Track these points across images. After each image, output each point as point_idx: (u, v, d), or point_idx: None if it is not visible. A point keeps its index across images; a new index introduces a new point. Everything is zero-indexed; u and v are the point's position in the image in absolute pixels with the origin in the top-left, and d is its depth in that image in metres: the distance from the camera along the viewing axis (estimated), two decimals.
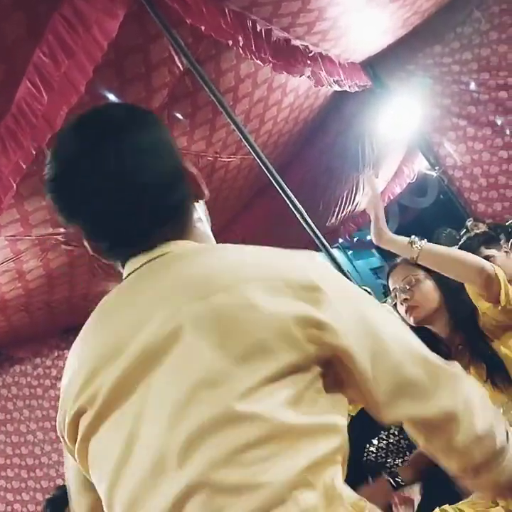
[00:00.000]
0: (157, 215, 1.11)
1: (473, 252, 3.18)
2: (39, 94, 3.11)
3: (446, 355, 2.32)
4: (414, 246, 2.13)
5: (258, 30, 4.07)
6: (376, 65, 6.66)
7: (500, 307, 2.12)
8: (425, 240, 2.17)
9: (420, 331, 2.36)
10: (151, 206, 1.09)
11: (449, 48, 7.30)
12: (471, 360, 2.23)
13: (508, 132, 7.45)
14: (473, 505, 1.93)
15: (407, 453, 2.63)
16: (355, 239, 12.15)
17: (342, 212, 8.51)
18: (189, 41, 3.56)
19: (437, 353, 2.31)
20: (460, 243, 3.59)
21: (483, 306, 2.19)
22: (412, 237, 2.17)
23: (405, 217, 11.43)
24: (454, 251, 2.17)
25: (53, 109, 3.23)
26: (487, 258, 3.10)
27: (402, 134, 7.56)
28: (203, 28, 3.49)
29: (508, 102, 7.30)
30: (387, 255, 12.21)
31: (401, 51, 6.74)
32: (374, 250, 13.78)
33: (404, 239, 2.19)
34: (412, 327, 2.35)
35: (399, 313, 2.42)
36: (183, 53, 3.36)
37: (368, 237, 11.79)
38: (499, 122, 7.43)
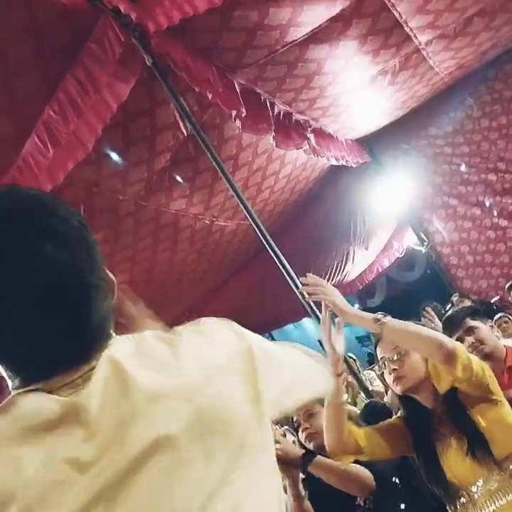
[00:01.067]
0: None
1: (458, 323, 3.20)
2: (45, 149, 3.13)
3: (429, 425, 2.29)
4: (377, 323, 2.14)
5: (262, 103, 4.15)
6: (372, 142, 6.80)
7: (465, 383, 2.13)
8: (389, 316, 2.18)
9: (405, 399, 2.35)
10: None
11: (443, 131, 7.48)
12: (452, 432, 2.20)
13: (495, 213, 7.56)
14: None
15: None
16: None
17: (331, 281, 8.51)
18: (195, 109, 3.63)
19: (420, 422, 2.31)
20: (447, 315, 3.59)
21: (443, 382, 2.19)
22: (376, 314, 2.18)
23: (393, 290, 11.47)
24: (416, 327, 2.18)
25: (58, 164, 3.26)
26: (471, 329, 3.12)
27: (394, 209, 7.65)
28: (210, 96, 3.56)
29: (497, 184, 7.43)
30: None
31: (397, 131, 6.89)
32: None
33: (369, 315, 2.19)
34: (398, 395, 2.35)
35: (385, 382, 2.44)
36: (188, 119, 3.42)
37: (355, 306, 11.76)
38: (488, 203, 7.54)
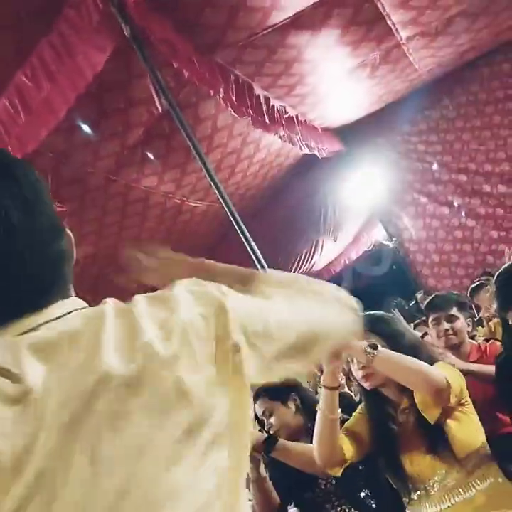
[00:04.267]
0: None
1: (444, 306, 3.19)
2: (16, 114, 3.03)
3: (392, 417, 2.27)
4: (368, 354, 2.10)
5: (240, 84, 4.09)
6: (347, 134, 6.76)
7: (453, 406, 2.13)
8: (379, 347, 2.13)
9: (371, 392, 2.32)
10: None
11: (417, 128, 7.48)
12: (415, 426, 2.18)
13: (463, 214, 7.61)
14: None
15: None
16: None
17: (299, 269, 8.50)
18: (171, 85, 3.53)
19: (384, 415, 2.28)
20: (436, 293, 3.61)
21: (433, 411, 2.16)
22: (368, 344, 2.13)
23: (359, 283, 11.49)
24: (408, 360, 2.12)
25: (29, 131, 3.16)
26: (452, 317, 3.10)
27: (365, 202, 7.65)
28: (186, 74, 3.49)
29: (467, 185, 7.47)
30: None
31: (372, 124, 6.87)
32: None
33: (360, 345, 2.15)
34: (363, 389, 2.34)
35: (354, 376, 2.41)
36: (164, 95, 3.33)
37: None
38: (456, 203, 7.59)
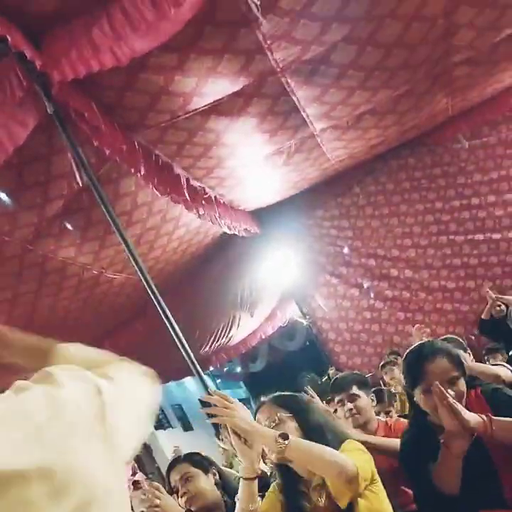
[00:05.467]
0: None
1: (344, 387, 3.24)
2: None
3: (305, 495, 2.23)
4: (279, 444, 2.09)
5: (160, 164, 4.12)
6: (264, 215, 6.90)
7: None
8: (290, 437, 2.12)
9: (281, 467, 2.29)
10: None
11: (330, 214, 7.73)
12: (326, 502, 2.16)
13: (372, 296, 7.79)
14: None
15: None
16: (225, 369, 12.09)
17: (216, 343, 8.44)
18: (92, 161, 3.52)
19: (296, 492, 2.23)
20: (336, 376, 3.65)
21: (344, 498, 2.15)
22: (277, 435, 2.12)
23: (274, 357, 11.54)
24: (319, 449, 2.12)
25: None
26: (354, 396, 3.16)
27: (279, 281, 7.75)
28: (107, 152, 3.49)
29: (375, 269, 7.70)
30: (253, 389, 12.19)
31: (288, 208, 7.04)
32: (241, 382, 13.72)
33: (271, 434, 2.14)
34: (278, 467, 2.31)
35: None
36: (84, 171, 3.31)
37: (238, 369, 11.68)
38: (366, 285, 7.78)
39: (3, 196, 3.60)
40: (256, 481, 2.19)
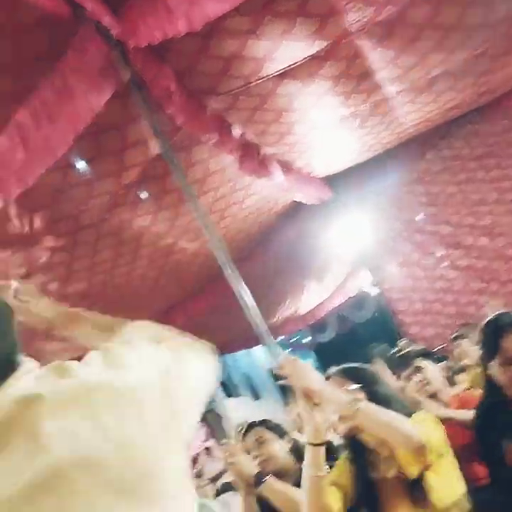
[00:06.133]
0: None
1: (408, 362, 3.23)
2: (15, 151, 3.06)
3: (375, 466, 2.26)
4: (351, 408, 2.11)
5: (232, 131, 4.15)
6: (336, 181, 6.84)
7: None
8: (364, 401, 2.15)
9: (349, 439, 2.33)
10: None
11: (403, 179, 7.59)
12: (394, 475, 2.17)
13: (446, 264, 7.66)
14: None
15: None
16: (294, 339, 12.14)
17: (285, 312, 8.51)
18: (166, 129, 3.59)
19: (366, 463, 2.27)
20: (399, 353, 3.64)
21: (413, 468, 2.15)
22: (349, 399, 2.14)
23: (343, 328, 11.51)
24: (389, 417, 2.13)
25: (27, 168, 3.19)
26: (419, 368, 3.15)
27: (351, 249, 7.70)
28: (180, 120, 3.55)
29: (450, 237, 7.55)
30: (321, 360, 12.23)
31: (361, 173, 6.94)
32: (310, 353, 13.75)
33: (344, 398, 2.17)
34: (347, 437, 2.35)
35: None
36: (159, 138, 3.39)
37: (306, 340, 11.71)
38: (439, 254, 7.65)
39: (80, 165, 3.72)
40: (323, 449, 2.21)
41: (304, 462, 2.22)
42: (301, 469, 2.72)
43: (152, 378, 0.96)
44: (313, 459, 2.18)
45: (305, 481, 2.19)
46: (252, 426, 2.98)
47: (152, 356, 1.03)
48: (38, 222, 3.82)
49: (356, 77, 4.37)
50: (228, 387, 11.97)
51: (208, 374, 1.22)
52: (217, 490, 5.81)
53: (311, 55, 3.79)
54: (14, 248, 3.92)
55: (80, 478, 0.79)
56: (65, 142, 3.20)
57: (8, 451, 0.79)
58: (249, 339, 8.48)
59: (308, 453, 2.21)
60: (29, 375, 0.90)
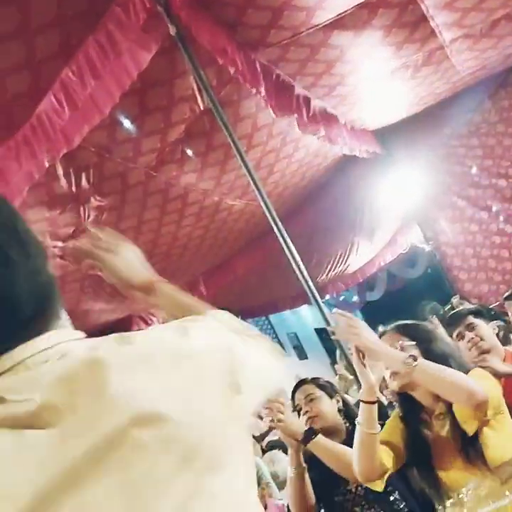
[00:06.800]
0: None
1: (460, 319, 3.19)
2: (61, 110, 3.09)
3: (427, 423, 2.26)
4: (407, 365, 2.10)
5: (281, 83, 4.10)
6: (386, 135, 6.72)
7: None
8: (420, 358, 2.14)
9: (402, 396, 2.33)
10: None
11: (458, 131, 7.40)
12: (448, 433, 2.17)
13: (502, 219, 7.50)
14: None
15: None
16: (341, 298, 12.12)
17: (333, 271, 8.49)
18: (213, 83, 3.57)
19: (418, 421, 2.27)
20: (452, 312, 3.60)
21: (471, 425, 2.14)
22: (405, 357, 2.13)
23: (393, 286, 11.43)
24: (447, 373, 2.12)
25: (73, 127, 3.22)
26: (472, 325, 3.11)
27: (402, 204, 7.59)
28: (232, 70, 3.51)
29: (506, 190, 7.37)
30: (370, 319, 12.22)
31: (412, 126, 6.81)
32: (358, 311, 13.72)
33: (399, 356, 2.16)
34: (395, 391, 2.34)
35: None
36: (206, 93, 3.37)
37: (354, 298, 11.67)
38: (495, 208, 7.48)
39: (126, 122, 3.73)
40: (376, 406, 2.22)
41: (357, 419, 2.23)
42: (349, 429, 2.75)
43: (220, 351, 0.96)
44: (366, 417, 2.19)
45: (358, 438, 2.21)
46: (302, 383, 3.01)
47: (222, 334, 1.03)
48: (84, 182, 3.87)
49: (410, 25, 4.24)
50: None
51: (275, 369, 1.20)
52: (263, 448, 5.94)
53: (362, 3, 3.69)
54: (62, 208, 3.98)
55: (145, 436, 0.80)
56: (111, 100, 3.21)
57: (74, 411, 0.81)
58: (296, 298, 8.53)
59: (361, 410, 2.23)
60: (83, 341, 0.91)
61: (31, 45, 2.89)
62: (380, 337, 2.44)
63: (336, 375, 7.86)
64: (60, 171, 3.71)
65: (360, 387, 2.31)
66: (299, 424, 2.65)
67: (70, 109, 3.12)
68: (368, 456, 2.19)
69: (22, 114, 3.15)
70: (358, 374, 2.24)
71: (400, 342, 2.34)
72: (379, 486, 2.26)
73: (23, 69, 2.96)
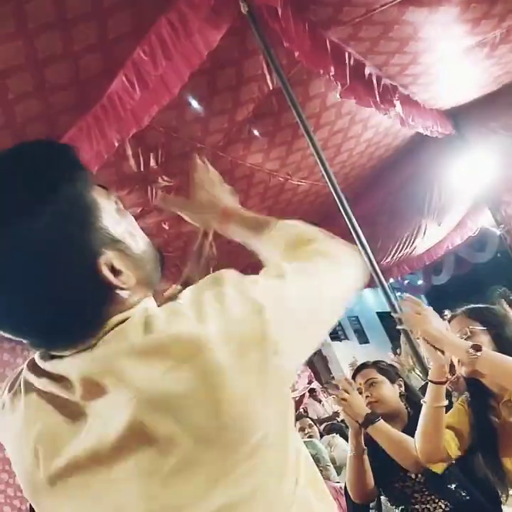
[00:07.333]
0: None
1: None
2: (132, 90, 3.15)
3: (494, 410, 2.25)
4: (471, 355, 2.08)
5: (352, 63, 4.06)
6: (459, 116, 6.57)
7: None
8: (484, 347, 2.11)
9: (471, 381, 2.33)
10: None
11: None
12: None
13: None
14: None
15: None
16: (406, 281, 11.99)
17: (398, 253, 8.39)
18: (283, 62, 3.56)
19: (485, 406, 2.27)
20: None
21: None
22: (469, 346, 2.11)
23: (460, 269, 11.24)
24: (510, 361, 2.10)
25: (143, 107, 3.28)
26: None
27: (473, 186, 7.43)
28: (296, 54, 3.49)
29: None
30: (435, 303, 12.07)
31: (485, 106, 6.63)
32: (423, 296, 13.55)
33: (464, 345, 2.14)
34: (464, 377, 2.33)
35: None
36: (276, 73, 3.37)
37: (419, 282, 11.52)
38: None
39: (195, 102, 3.78)
40: (444, 387, 2.21)
41: (425, 398, 2.24)
42: (411, 414, 2.75)
43: (253, 315, 0.93)
44: (433, 395, 2.19)
45: (423, 414, 2.21)
46: (363, 366, 3.01)
47: (269, 286, 1.01)
48: (153, 162, 3.94)
49: (487, 1, 4.12)
50: (335, 330, 12.05)
51: (351, 281, 1.21)
52: (321, 432, 5.99)
53: None
54: (130, 188, 4.07)
55: (163, 424, 0.83)
56: (181, 80, 3.26)
57: (103, 401, 0.86)
58: None
59: (429, 389, 2.22)
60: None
61: (104, 26, 2.96)
62: (449, 322, 2.43)
63: (396, 354, 7.84)
64: (129, 151, 3.79)
65: (425, 372, 2.31)
66: (362, 407, 2.66)
67: (140, 89, 3.18)
68: (433, 433, 2.19)
69: (94, 95, 3.23)
70: (427, 355, 2.23)
71: (471, 327, 2.32)
72: (439, 469, 2.26)
73: (96, 50, 3.03)
